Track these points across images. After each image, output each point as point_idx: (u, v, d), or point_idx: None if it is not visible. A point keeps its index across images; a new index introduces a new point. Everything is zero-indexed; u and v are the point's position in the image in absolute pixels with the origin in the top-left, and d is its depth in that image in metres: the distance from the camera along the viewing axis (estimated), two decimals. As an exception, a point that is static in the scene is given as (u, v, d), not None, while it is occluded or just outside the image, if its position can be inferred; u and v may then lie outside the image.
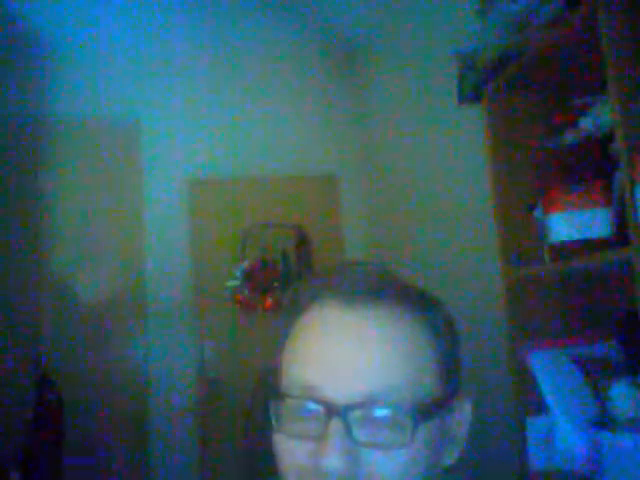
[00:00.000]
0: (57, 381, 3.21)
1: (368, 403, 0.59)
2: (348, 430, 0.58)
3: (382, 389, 0.59)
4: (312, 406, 0.60)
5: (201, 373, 3.73)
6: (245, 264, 3.76)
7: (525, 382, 1.60)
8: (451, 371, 0.66)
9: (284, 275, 3.80)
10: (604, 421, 1.37)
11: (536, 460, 1.52)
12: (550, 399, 1.49)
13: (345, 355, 0.61)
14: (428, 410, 0.60)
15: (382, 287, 0.64)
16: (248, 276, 3.75)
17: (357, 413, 0.59)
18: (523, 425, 1.58)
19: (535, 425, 1.53)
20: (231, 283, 3.74)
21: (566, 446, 1.44)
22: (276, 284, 3.78)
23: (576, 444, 1.43)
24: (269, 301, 3.74)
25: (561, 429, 1.46)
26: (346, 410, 0.58)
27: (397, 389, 0.60)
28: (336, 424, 0.58)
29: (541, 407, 1.52)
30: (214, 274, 3.78)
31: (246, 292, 3.74)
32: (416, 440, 0.59)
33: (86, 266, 3.73)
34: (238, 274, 3.75)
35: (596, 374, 1.49)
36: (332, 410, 0.59)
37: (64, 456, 3.07)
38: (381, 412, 0.59)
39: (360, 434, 0.58)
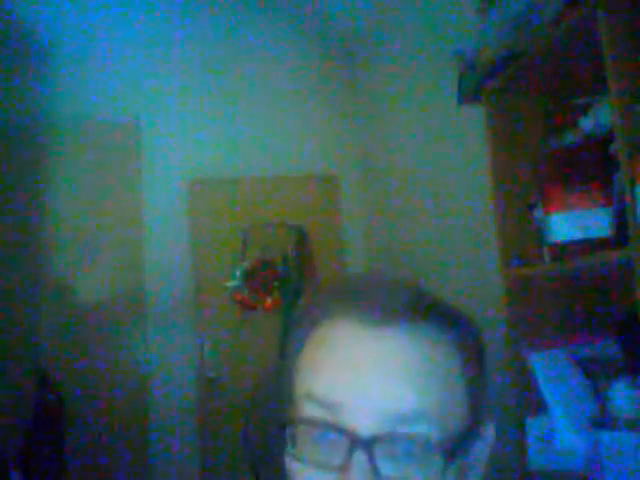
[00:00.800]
0: (57, 381, 3.21)
1: (394, 435, 0.55)
2: (373, 463, 0.54)
3: (410, 420, 0.55)
4: (334, 435, 0.56)
5: (201, 373, 3.73)
6: (245, 264, 3.76)
7: (525, 382, 1.60)
8: (479, 397, 0.61)
9: (284, 275, 3.80)
10: (604, 421, 1.37)
11: (536, 460, 1.52)
12: (550, 399, 1.49)
13: (370, 380, 0.57)
14: (458, 446, 0.57)
15: (408, 307, 0.60)
16: (248, 276, 3.75)
17: (383, 446, 0.55)
18: (523, 425, 1.58)
19: (535, 425, 1.53)
20: (231, 283, 3.74)
21: (566, 446, 1.44)
22: (276, 284, 3.78)
23: (576, 444, 1.43)
24: (269, 301, 3.74)
25: (561, 429, 1.46)
26: (371, 442, 0.54)
27: (426, 415, 0.56)
28: (360, 456, 0.54)
29: (541, 407, 1.52)
30: (214, 274, 3.78)
31: (246, 292, 3.74)
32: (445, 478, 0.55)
33: (86, 266, 3.73)
34: (238, 274, 3.74)
35: (596, 374, 1.49)
36: (356, 441, 0.54)
37: (64, 456, 3.07)
38: (409, 448, 0.55)
39: (385, 468, 0.55)
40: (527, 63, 1.61)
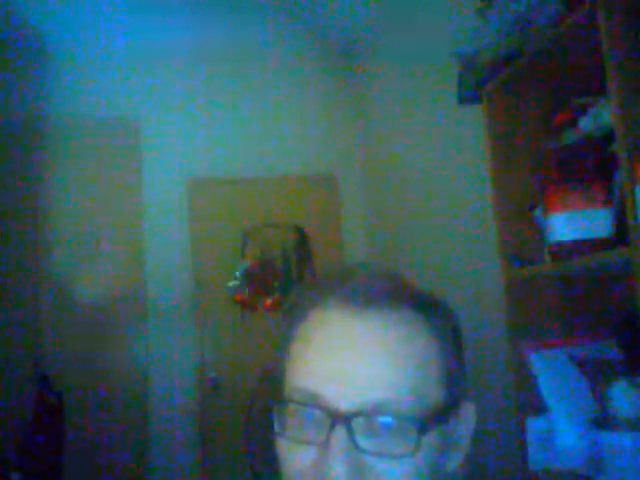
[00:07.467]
0: (57, 381, 3.21)
1: (372, 411, 0.58)
2: (352, 438, 0.57)
3: (387, 399, 0.59)
4: (316, 413, 0.59)
5: (201, 373, 3.73)
6: (245, 264, 3.76)
7: (525, 382, 1.60)
8: (456, 377, 0.65)
9: (284, 275, 3.80)
10: (604, 421, 1.37)
11: (536, 460, 1.52)
12: (550, 399, 1.49)
13: (349, 363, 0.60)
14: (433, 419, 0.60)
15: (387, 292, 0.63)
16: (248, 276, 3.75)
17: (361, 421, 0.58)
18: (523, 425, 1.58)
19: (535, 425, 1.53)
20: (231, 283, 3.74)
21: (566, 446, 1.44)
22: (276, 284, 3.78)
23: (576, 444, 1.43)
24: (269, 301, 3.74)
25: (561, 429, 1.46)
26: (350, 418, 0.58)
27: (402, 398, 0.59)
28: (340, 431, 0.57)
29: (541, 407, 1.52)
30: (214, 274, 3.78)
31: (246, 292, 3.74)
32: (421, 449, 0.58)
33: (86, 266, 3.73)
34: (238, 274, 3.75)
35: (596, 374, 1.49)
36: (336, 417, 0.58)
37: (64, 456, 3.07)
38: (385, 420, 0.58)
39: (364, 442, 0.58)
40: (527, 63, 1.61)
